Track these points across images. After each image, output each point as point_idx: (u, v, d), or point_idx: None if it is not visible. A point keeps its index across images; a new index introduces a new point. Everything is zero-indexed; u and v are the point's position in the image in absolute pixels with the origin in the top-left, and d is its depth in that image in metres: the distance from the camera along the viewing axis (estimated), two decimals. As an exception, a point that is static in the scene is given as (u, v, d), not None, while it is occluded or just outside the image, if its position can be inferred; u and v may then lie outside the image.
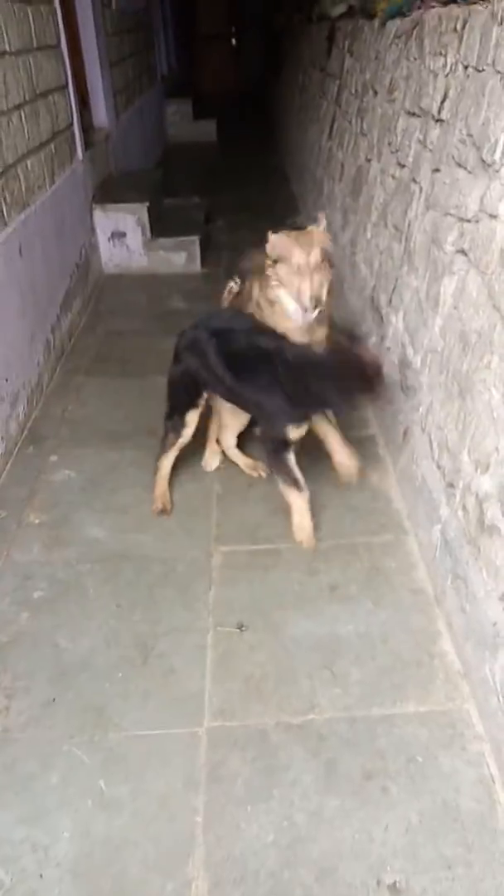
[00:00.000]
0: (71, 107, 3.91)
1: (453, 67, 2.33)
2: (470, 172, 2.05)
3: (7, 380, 2.67)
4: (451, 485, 1.94)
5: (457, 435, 1.94)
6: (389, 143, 3.04)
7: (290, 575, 2.07)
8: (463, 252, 2.07)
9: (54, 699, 1.75)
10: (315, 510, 2.31)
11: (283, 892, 1.37)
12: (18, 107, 3.03)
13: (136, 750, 1.62)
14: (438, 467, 2.06)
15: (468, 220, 2.04)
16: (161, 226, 4.61)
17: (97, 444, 2.79)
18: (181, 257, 4.48)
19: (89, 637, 1.91)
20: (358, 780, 1.54)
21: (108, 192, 4.56)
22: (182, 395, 2.33)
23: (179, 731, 1.65)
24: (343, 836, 1.45)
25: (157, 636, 1.90)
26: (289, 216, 5.32)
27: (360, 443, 2.70)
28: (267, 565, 2.12)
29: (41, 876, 1.41)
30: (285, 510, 2.31)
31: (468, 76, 2.18)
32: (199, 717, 1.68)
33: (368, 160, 3.43)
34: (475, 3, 2.16)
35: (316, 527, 2.24)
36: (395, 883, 1.37)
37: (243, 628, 1.90)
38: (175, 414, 2.36)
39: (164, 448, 2.41)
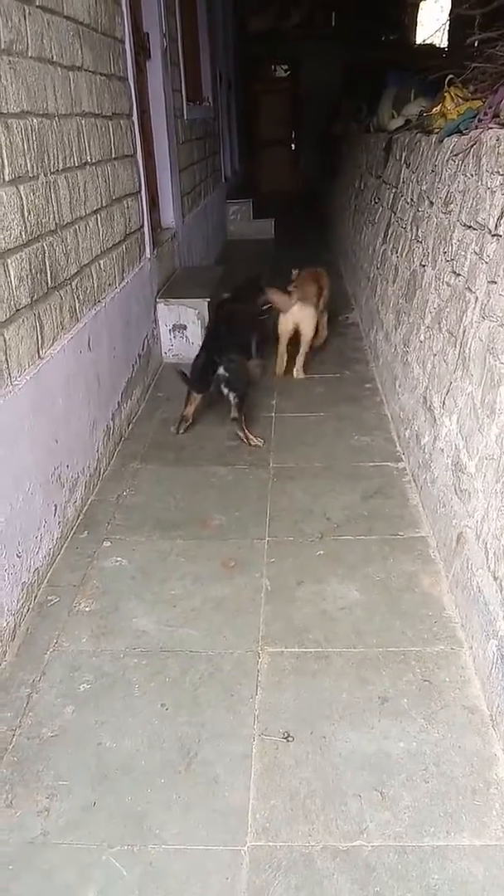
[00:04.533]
0: (142, 209, 4.18)
1: (511, 187, 2.42)
2: (528, 288, 2.10)
3: (68, 466, 2.76)
4: (508, 599, 1.89)
5: (515, 547, 1.90)
6: (445, 252, 3.14)
7: (338, 683, 2.02)
8: (521, 364, 2.09)
9: (95, 803, 1.71)
10: (364, 615, 2.28)
11: None
12: (95, 212, 3.26)
13: (176, 866, 1.56)
14: (495, 578, 2.01)
15: (526, 334, 2.08)
16: (219, 319, 4.80)
17: (149, 531, 2.83)
18: (237, 349, 4.63)
19: (133, 737, 1.88)
20: (408, 920, 1.45)
21: (172, 287, 4.80)
22: None
23: (221, 849, 1.59)
24: None
25: (200, 741, 1.86)
26: (342, 312, 5.48)
27: (409, 543, 2.68)
28: (315, 671, 2.07)
29: None
30: (334, 613, 2.29)
31: (526, 196, 2.27)
32: (242, 834, 1.62)
33: (423, 266, 3.54)
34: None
35: (365, 633, 2.20)
36: None
37: (289, 738, 1.85)
38: None
39: None
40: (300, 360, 4.37)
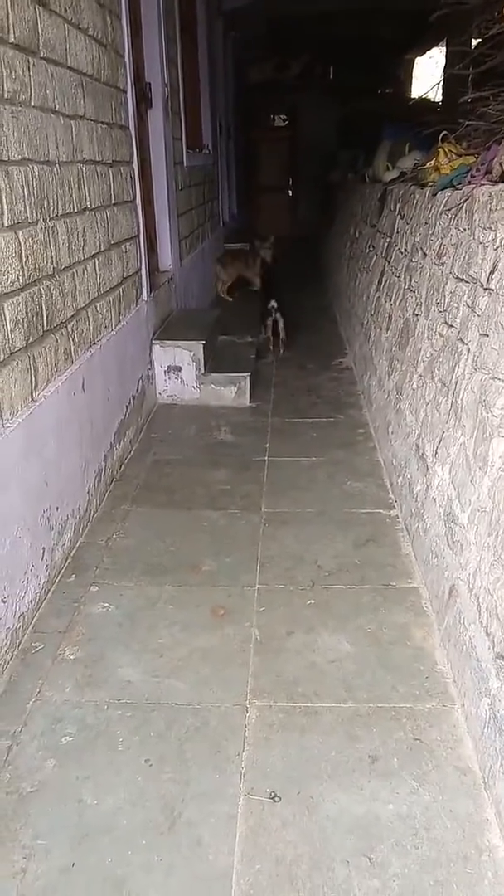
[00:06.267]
0: (140, 253, 4.24)
1: (503, 242, 2.47)
2: (519, 343, 2.13)
3: (58, 508, 2.74)
4: (501, 656, 1.86)
5: (507, 603, 1.88)
6: (437, 303, 3.18)
7: (327, 740, 1.97)
8: (512, 418, 2.10)
9: (74, 864, 1.65)
10: (355, 668, 2.24)
11: None
12: (93, 256, 3.30)
13: (155, 936, 1.50)
14: (487, 634, 1.99)
15: (518, 388, 2.09)
16: (214, 361, 4.84)
17: (138, 576, 2.80)
18: (231, 391, 4.66)
19: (115, 794, 1.82)
20: None
21: (168, 328, 4.84)
22: None
23: (203, 918, 1.53)
24: None
25: (185, 800, 1.80)
26: (336, 357, 5.53)
27: (402, 594, 2.66)
28: (304, 726, 2.02)
29: None
30: (324, 666, 2.25)
31: (517, 253, 2.31)
32: (225, 901, 1.56)
33: (416, 315, 3.58)
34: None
35: (355, 687, 2.16)
36: None
37: (276, 799, 1.80)
38: None
39: None
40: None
